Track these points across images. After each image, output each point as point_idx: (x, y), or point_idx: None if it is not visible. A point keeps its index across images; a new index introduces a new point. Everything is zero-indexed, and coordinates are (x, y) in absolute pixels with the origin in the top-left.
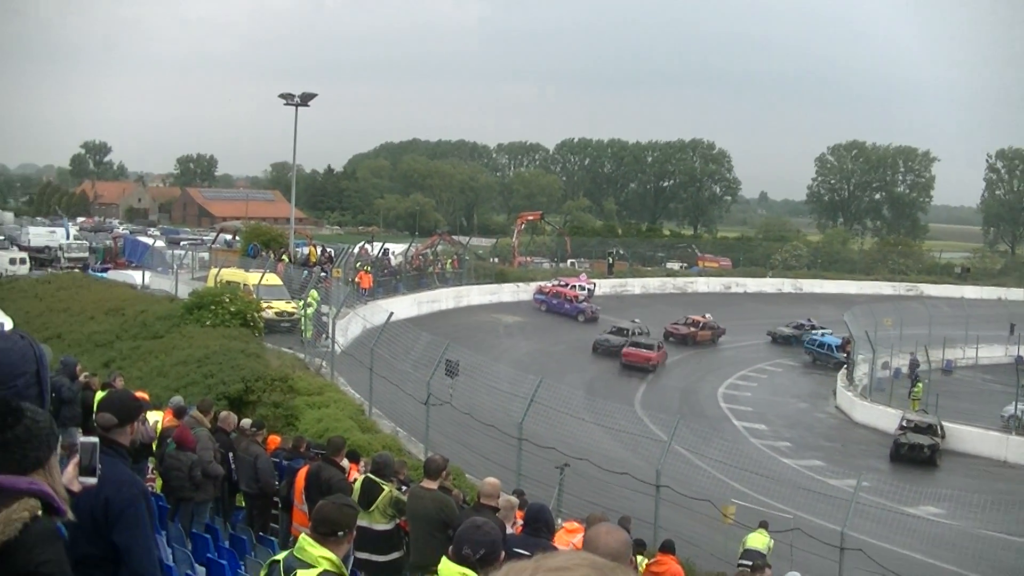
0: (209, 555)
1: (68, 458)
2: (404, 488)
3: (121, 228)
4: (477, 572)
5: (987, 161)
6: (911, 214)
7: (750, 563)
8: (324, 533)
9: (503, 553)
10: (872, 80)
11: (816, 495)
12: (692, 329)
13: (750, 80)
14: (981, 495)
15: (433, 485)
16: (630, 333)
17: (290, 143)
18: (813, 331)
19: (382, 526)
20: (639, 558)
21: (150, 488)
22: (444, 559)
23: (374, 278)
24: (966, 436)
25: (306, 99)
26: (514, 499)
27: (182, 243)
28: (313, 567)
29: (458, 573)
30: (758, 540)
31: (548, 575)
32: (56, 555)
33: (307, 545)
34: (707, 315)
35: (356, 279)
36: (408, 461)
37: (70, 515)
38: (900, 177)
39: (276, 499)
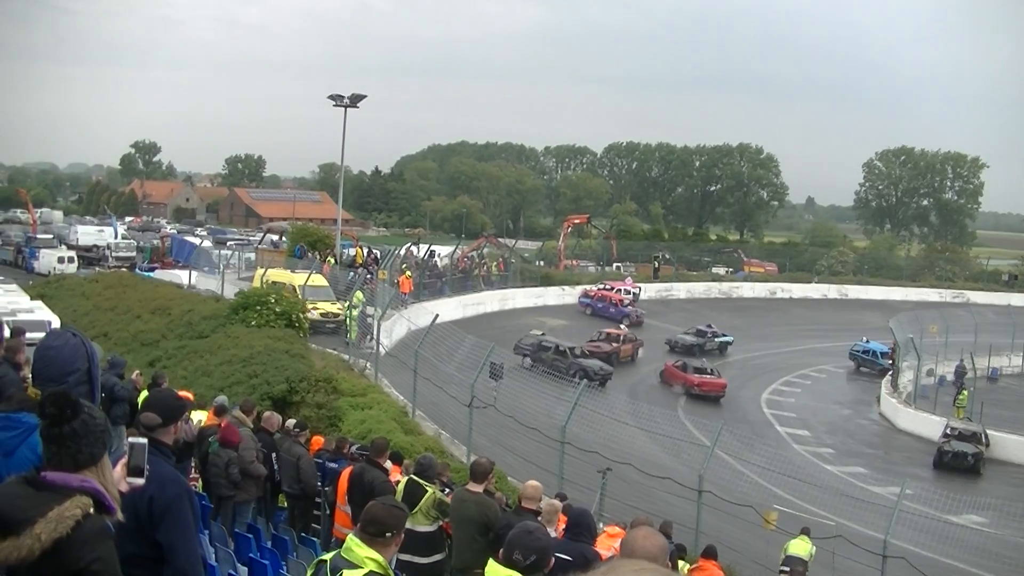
0: (251, 555)
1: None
2: (447, 490)
3: (168, 228)
4: None
5: None
6: (959, 220)
7: (789, 569)
8: (372, 534)
9: (552, 560)
10: (922, 85)
11: (859, 502)
12: (614, 344)
13: (799, 85)
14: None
15: (478, 488)
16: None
17: (338, 144)
18: (715, 337)
19: (425, 528)
20: (681, 563)
21: (193, 487)
22: (492, 562)
23: (418, 280)
24: (1011, 445)
25: (355, 100)
26: (556, 503)
27: (229, 243)
28: (359, 567)
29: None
30: (800, 547)
31: None
32: (107, 553)
33: (354, 546)
34: (623, 327)
35: (397, 282)
36: (450, 463)
37: (120, 515)
38: (948, 183)
39: (318, 500)
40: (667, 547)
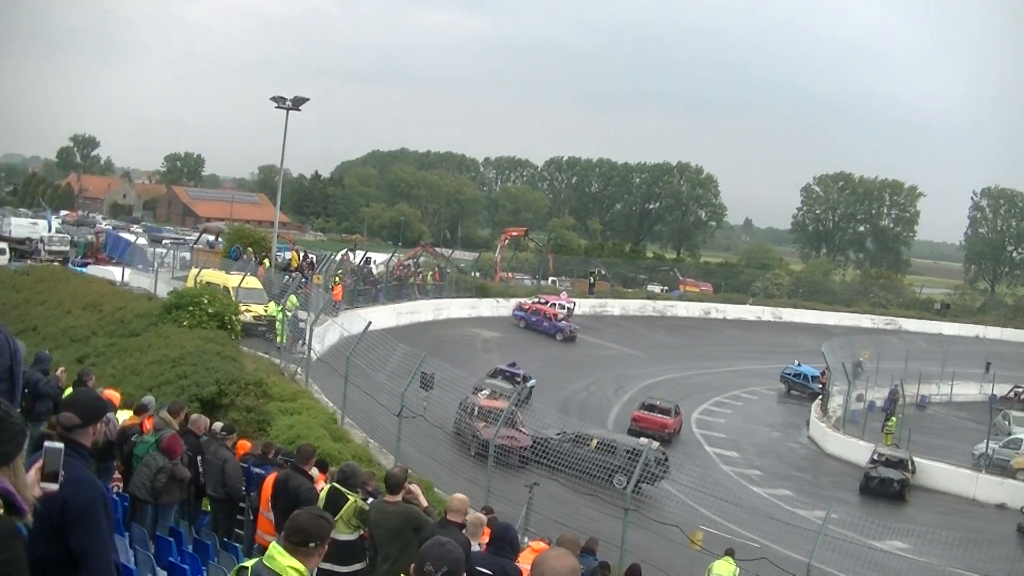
0: (172, 559)
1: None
2: (370, 499)
3: (104, 223)
4: None
5: (972, 199)
6: (894, 248)
7: None
8: (296, 543)
9: (464, 573)
10: (861, 113)
11: (784, 525)
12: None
13: (740, 107)
14: (949, 532)
15: (396, 499)
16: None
17: (279, 146)
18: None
19: (346, 536)
20: None
21: (116, 488)
22: None
23: (353, 287)
24: (937, 472)
25: (297, 103)
26: (482, 516)
27: (164, 241)
28: None
29: None
30: (724, 568)
31: None
32: (15, 555)
33: (277, 554)
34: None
35: (331, 288)
36: (378, 472)
37: (30, 517)
38: (885, 210)
39: (243, 505)
40: (578, 569)
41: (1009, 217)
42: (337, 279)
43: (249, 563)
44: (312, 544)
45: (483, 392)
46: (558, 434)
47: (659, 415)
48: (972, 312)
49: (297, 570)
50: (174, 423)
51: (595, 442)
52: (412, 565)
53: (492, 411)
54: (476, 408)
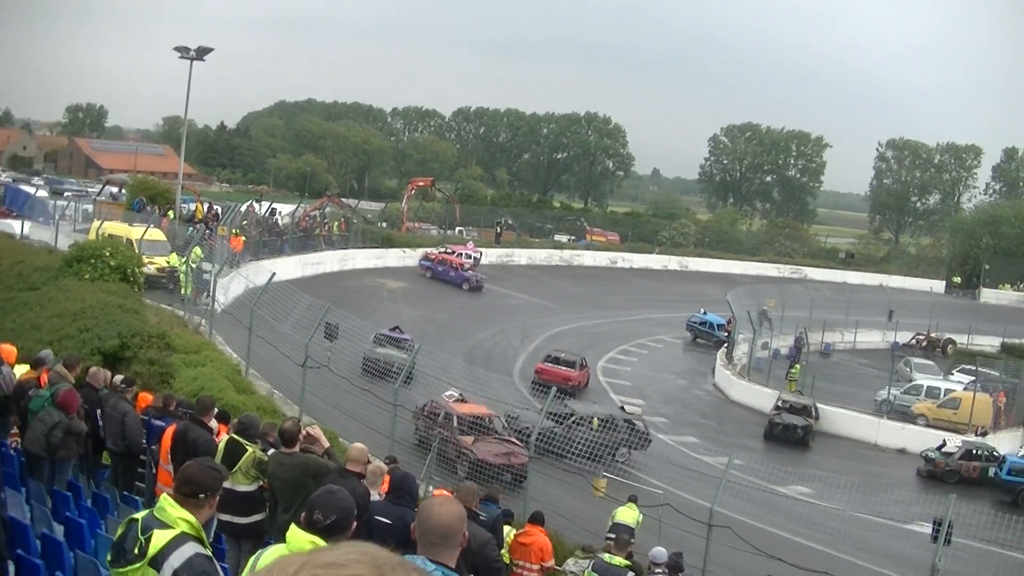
0: (69, 513)
1: None
2: (270, 450)
3: (3, 176)
4: (327, 540)
5: (877, 150)
6: (800, 198)
7: (615, 536)
8: (186, 494)
9: (355, 522)
10: (768, 65)
11: (688, 472)
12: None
13: (649, 58)
14: (850, 476)
15: (293, 450)
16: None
17: (183, 97)
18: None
19: (244, 487)
20: (508, 528)
21: (14, 443)
22: (293, 525)
23: (258, 238)
24: (840, 418)
25: (202, 53)
26: (382, 465)
27: (66, 194)
28: (171, 528)
29: (307, 540)
30: (627, 514)
31: (318, 571)
32: None
33: (167, 505)
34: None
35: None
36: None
37: None
38: (792, 161)
39: (143, 458)
40: (464, 516)
41: (913, 168)
42: (236, 231)
43: (140, 515)
44: (202, 495)
45: (449, 395)
46: (550, 415)
47: (564, 368)
48: (876, 261)
49: (188, 521)
50: (70, 377)
51: (596, 421)
52: (303, 514)
53: (475, 421)
54: (454, 418)
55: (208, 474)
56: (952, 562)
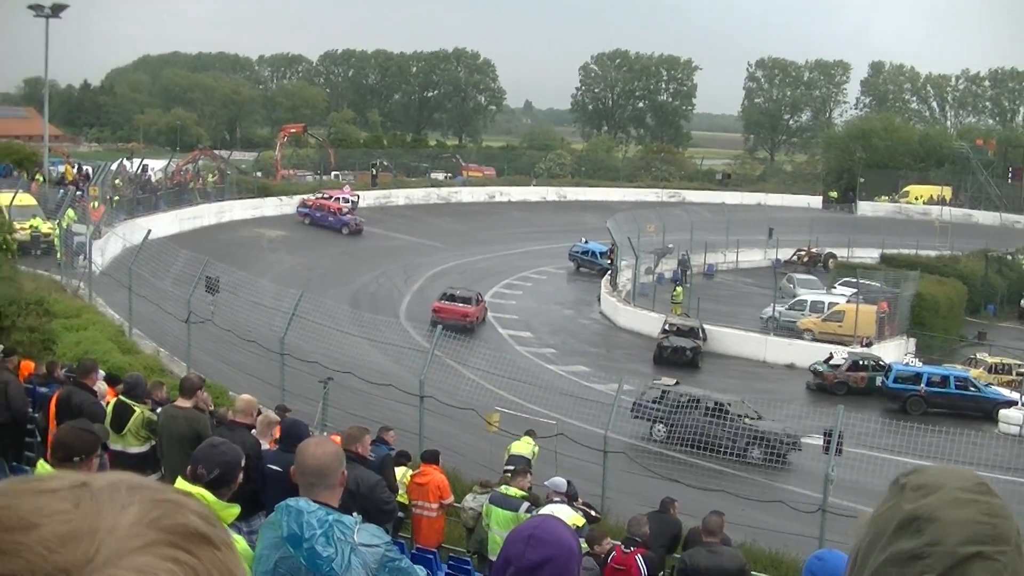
0: None
1: None
2: (159, 409)
3: None
4: (213, 494)
5: (747, 70)
6: (674, 122)
7: (513, 468)
8: (61, 458)
9: (240, 474)
10: None
11: (580, 400)
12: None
13: None
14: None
15: (187, 404)
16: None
17: (42, 57)
18: None
19: (136, 448)
20: (403, 469)
21: None
22: (179, 479)
23: (132, 196)
24: (727, 338)
25: (57, 10)
26: (272, 415)
27: None
28: None
29: (195, 495)
30: (523, 447)
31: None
32: None
33: (43, 471)
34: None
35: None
36: (168, 382)
37: None
38: (663, 86)
39: (30, 427)
40: (341, 455)
41: (784, 86)
42: (95, 204)
43: None
44: (77, 459)
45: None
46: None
47: (460, 304)
48: (753, 181)
49: None
50: None
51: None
52: (187, 468)
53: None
54: None
55: (80, 436)
56: (845, 471)
